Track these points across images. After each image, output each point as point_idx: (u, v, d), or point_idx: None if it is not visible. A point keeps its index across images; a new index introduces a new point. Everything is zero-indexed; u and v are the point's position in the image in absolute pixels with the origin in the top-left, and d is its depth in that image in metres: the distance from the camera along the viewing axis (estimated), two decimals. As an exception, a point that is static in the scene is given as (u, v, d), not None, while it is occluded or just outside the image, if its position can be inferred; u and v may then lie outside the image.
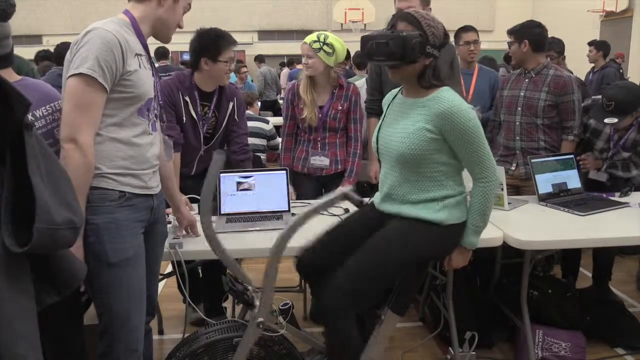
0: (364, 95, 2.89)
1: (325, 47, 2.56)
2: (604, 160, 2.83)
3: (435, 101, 1.69)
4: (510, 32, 2.83)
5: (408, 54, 1.64)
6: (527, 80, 2.81)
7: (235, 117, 2.62)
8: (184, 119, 2.46)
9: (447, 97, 1.68)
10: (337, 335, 1.71)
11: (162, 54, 6.38)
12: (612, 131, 2.80)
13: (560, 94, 2.70)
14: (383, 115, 1.91)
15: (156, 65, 6.36)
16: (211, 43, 2.38)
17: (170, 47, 6.13)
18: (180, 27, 1.69)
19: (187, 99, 2.45)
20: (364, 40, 1.71)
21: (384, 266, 1.71)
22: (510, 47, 2.84)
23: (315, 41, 2.57)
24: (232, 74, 7.68)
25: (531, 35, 2.76)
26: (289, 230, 1.57)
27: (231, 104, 2.58)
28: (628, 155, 2.80)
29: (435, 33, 1.69)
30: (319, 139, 2.74)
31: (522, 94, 2.81)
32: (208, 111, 2.54)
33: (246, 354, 1.69)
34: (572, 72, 3.63)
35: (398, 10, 2.67)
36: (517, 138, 2.84)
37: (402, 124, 1.76)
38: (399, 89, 1.90)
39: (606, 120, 2.63)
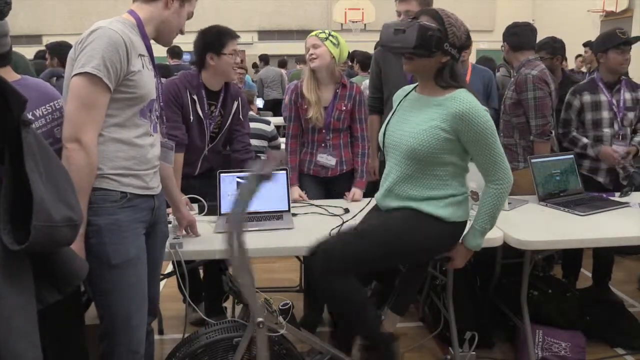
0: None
1: (331, 38, 2.59)
2: (617, 137, 2.85)
3: (453, 101, 1.68)
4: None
5: (423, 44, 1.63)
6: (512, 79, 2.91)
7: (240, 116, 2.62)
8: (191, 118, 2.45)
9: (464, 98, 1.67)
10: (337, 296, 1.69)
11: (175, 53, 6.31)
12: (609, 96, 2.84)
13: (519, 91, 2.76)
14: (393, 111, 1.90)
15: (168, 63, 6.26)
16: (214, 38, 2.39)
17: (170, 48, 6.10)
18: (182, 32, 1.69)
19: (194, 97, 2.44)
20: (384, 27, 1.73)
21: (380, 243, 1.71)
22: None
23: (321, 32, 2.62)
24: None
25: (508, 37, 2.87)
26: (235, 231, 1.50)
27: (236, 103, 2.59)
28: (634, 115, 2.86)
29: (456, 33, 1.68)
30: (324, 140, 2.71)
31: (506, 92, 2.92)
32: (214, 110, 2.53)
33: (266, 355, 1.68)
34: (567, 74, 3.65)
35: (398, 13, 2.67)
36: (501, 134, 2.93)
37: (416, 119, 1.76)
38: (412, 86, 1.89)
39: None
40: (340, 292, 1.69)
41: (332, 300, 1.73)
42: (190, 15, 1.70)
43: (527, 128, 2.79)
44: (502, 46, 2.93)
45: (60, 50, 3.82)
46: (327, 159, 2.72)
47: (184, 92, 2.42)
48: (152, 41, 1.65)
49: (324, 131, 2.69)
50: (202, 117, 2.47)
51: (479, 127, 1.65)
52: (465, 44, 1.72)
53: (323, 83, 2.66)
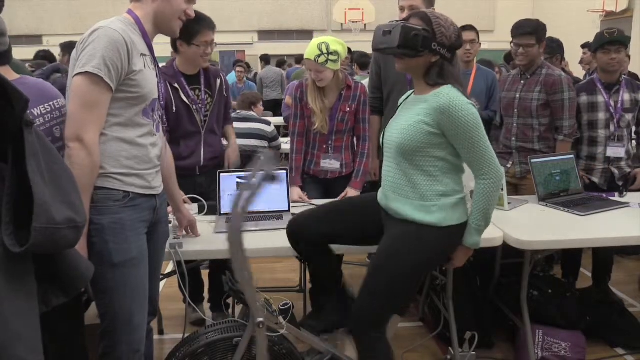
0: None
1: (330, 57, 2.48)
2: (613, 138, 2.84)
3: (435, 96, 1.71)
4: (532, 32, 2.71)
5: (407, 44, 1.67)
6: (522, 82, 2.84)
7: (224, 92, 2.64)
8: (174, 108, 2.45)
9: (446, 92, 1.70)
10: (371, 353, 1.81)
11: None
12: (607, 98, 2.83)
13: (551, 92, 2.73)
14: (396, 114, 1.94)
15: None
16: (186, 26, 2.38)
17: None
18: (189, 15, 1.67)
19: (175, 85, 2.45)
20: (376, 29, 1.78)
21: (395, 284, 1.77)
22: (523, 48, 2.73)
23: (319, 55, 2.47)
24: (232, 73, 7.66)
25: (545, 35, 2.78)
26: (234, 230, 1.49)
27: (219, 81, 2.60)
28: (632, 117, 2.85)
29: (445, 33, 1.71)
30: (326, 141, 2.67)
31: (517, 95, 2.84)
32: (200, 93, 2.54)
33: (265, 355, 1.68)
34: (568, 74, 3.65)
35: (401, 8, 2.65)
36: (513, 139, 2.87)
37: (405, 117, 1.80)
38: (413, 90, 1.91)
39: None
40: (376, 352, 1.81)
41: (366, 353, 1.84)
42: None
43: (549, 129, 2.79)
44: (526, 44, 2.71)
45: (72, 48, 3.90)
46: (330, 164, 2.69)
47: (164, 84, 2.43)
48: (158, 40, 1.66)
49: (326, 134, 2.66)
50: (188, 103, 2.48)
51: (460, 120, 1.66)
52: (455, 43, 1.75)
53: (327, 87, 2.60)
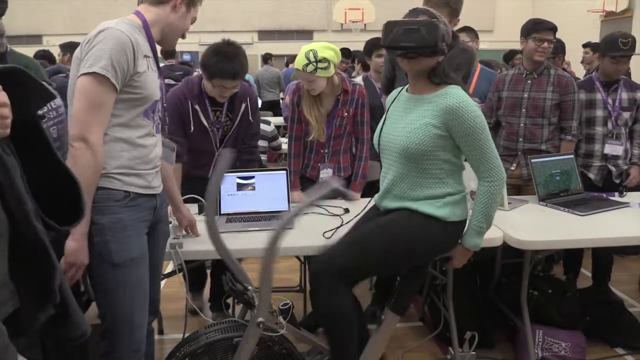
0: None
1: (319, 65, 2.41)
2: (611, 136, 2.85)
3: (443, 97, 1.69)
4: (554, 28, 2.76)
5: (438, 43, 1.63)
6: (529, 81, 2.82)
7: (250, 117, 2.57)
8: (192, 128, 2.42)
9: (454, 93, 1.68)
10: (330, 312, 1.70)
11: (169, 53, 6.35)
12: (605, 96, 2.84)
13: (564, 92, 2.74)
14: (386, 113, 1.90)
15: (162, 64, 6.42)
16: (206, 64, 2.33)
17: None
18: (183, 37, 1.70)
19: (196, 107, 2.41)
20: (389, 26, 1.67)
21: (379, 249, 1.71)
22: (548, 43, 2.74)
23: (307, 64, 2.41)
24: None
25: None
26: (277, 231, 1.55)
27: (244, 105, 2.54)
28: (629, 115, 2.85)
29: (448, 31, 1.70)
30: (323, 147, 2.65)
31: (525, 95, 2.81)
32: (221, 115, 2.50)
33: (249, 354, 1.68)
34: (570, 74, 3.64)
35: None
36: (520, 139, 2.85)
37: (407, 119, 1.76)
38: (402, 87, 1.90)
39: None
40: (335, 309, 1.69)
41: (324, 313, 1.73)
42: (193, 20, 1.71)
43: (556, 129, 2.81)
44: (549, 39, 2.72)
45: (72, 48, 3.94)
46: (327, 173, 2.67)
47: (186, 103, 2.40)
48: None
49: (324, 140, 2.63)
50: (206, 126, 2.44)
51: (468, 121, 1.65)
52: (452, 42, 1.74)
53: (323, 93, 2.55)
